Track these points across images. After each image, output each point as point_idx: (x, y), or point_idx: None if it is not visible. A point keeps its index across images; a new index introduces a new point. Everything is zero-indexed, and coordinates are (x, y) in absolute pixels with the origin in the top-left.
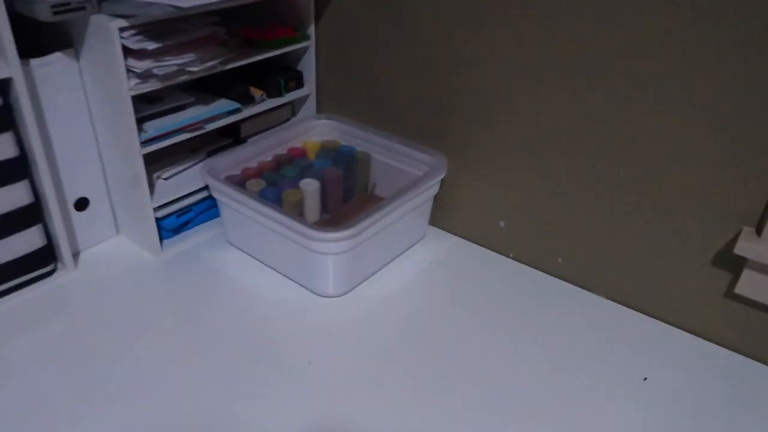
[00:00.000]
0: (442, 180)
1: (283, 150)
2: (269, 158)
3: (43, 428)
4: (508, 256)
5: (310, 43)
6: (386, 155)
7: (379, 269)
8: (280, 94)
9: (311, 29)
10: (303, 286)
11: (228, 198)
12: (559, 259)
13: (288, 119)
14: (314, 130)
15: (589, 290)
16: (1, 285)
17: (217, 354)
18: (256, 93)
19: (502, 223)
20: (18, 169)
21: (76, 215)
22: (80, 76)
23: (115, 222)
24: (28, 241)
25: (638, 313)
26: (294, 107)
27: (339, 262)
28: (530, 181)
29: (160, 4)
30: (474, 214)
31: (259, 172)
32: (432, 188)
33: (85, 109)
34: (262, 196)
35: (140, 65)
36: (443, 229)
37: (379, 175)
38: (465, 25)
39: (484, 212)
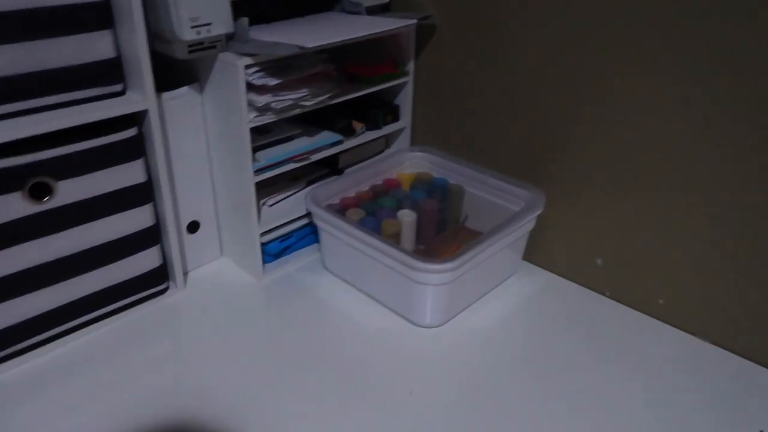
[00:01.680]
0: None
1: (378, 181)
2: (366, 188)
3: None
4: (605, 295)
5: (409, 79)
6: (479, 188)
7: (475, 302)
8: (378, 127)
9: (410, 66)
10: (400, 315)
11: (330, 226)
12: (661, 301)
13: (382, 151)
14: (408, 162)
15: (693, 335)
16: (119, 301)
17: (315, 379)
18: (357, 126)
19: (599, 261)
20: (145, 193)
21: (187, 237)
22: (202, 108)
23: (220, 244)
24: (147, 260)
25: (751, 363)
26: (389, 140)
27: (439, 293)
28: (630, 218)
29: (286, 45)
30: (569, 251)
31: (358, 202)
32: (528, 223)
33: (202, 139)
34: (362, 225)
35: (260, 99)
36: (537, 264)
37: (471, 208)
38: (563, 66)
39: (579, 248)
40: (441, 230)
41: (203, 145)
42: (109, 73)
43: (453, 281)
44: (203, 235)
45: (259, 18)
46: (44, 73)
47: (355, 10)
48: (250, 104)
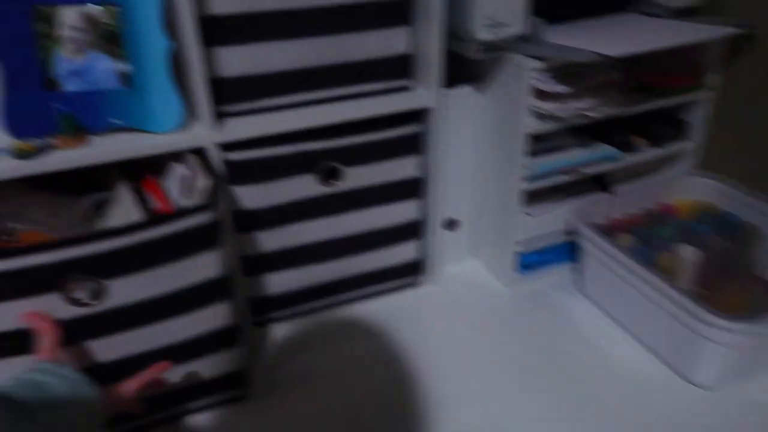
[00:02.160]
0: None
1: (650, 204)
2: (637, 212)
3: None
4: None
5: (709, 94)
6: None
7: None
8: (660, 145)
9: (714, 79)
10: (668, 365)
11: (596, 249)
12: None
13: (659, 170)
14: (691, 189)
15: None
16: (379, 285)
17: (550, 406)
18: (638, 142)
19: None
20: (415, 188)
21: (444, 234)
22: (480, 108)
23: (472, 245)
24: (407, 252)
25: None
26: (670, 160)
27: (728, 353)
28: None
29: (584, 51)
30: None
31: (628, 226)
32: None
33: (477, 139)
34: (630, 255)
35: (545, 106)
36: None
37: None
38: None
39: None
40: (725, 274)
41: (476, 144)
42: (401, 69)
43: (747, 343)
44: (460, 234)
45: (553, 17)
46: (343, 65)
47: (655, 13)
48: (532, 109)
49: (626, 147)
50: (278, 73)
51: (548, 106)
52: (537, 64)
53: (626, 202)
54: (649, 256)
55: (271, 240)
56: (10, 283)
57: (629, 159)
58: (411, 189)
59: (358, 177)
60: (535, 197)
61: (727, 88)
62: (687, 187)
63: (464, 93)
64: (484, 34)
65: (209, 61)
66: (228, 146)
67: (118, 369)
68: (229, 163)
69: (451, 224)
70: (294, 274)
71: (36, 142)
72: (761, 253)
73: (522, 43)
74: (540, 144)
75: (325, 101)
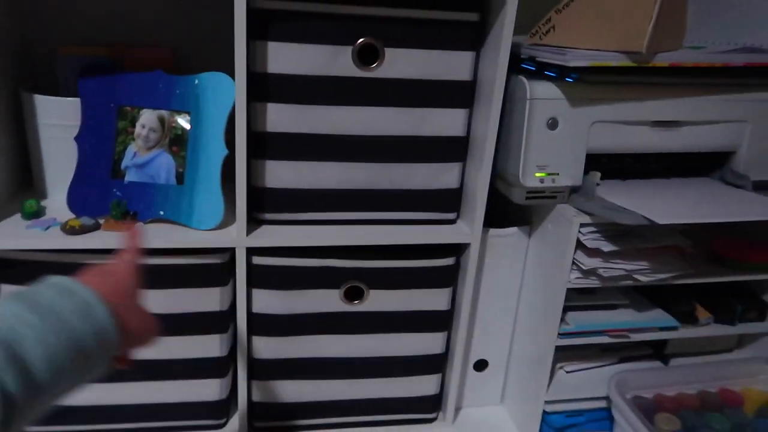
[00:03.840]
0: None
1: (713, 387)
2: (693, 392)
3: None
4: None
5: None
6: None
7: None
8: (731, 323)
9: None
10: None
11: (629, 425)
12: None
13: (730, 350)
14: (762, 377)
15: None
16: (390, 415)
17: None
18: (703, 315)
19: None
20: (443, 320)
21: (471, 374)
22: (526, 251)
23: (502, 391)
24: (426, 385)
25: None
26: (743, 340)
27: None
28: None
29: (633, 214)
30: None
31: (676, 406)
32: None
33: (518, 281)
34: None
35: (588, 262)
36: None
37: None
38: None
39: None
40: None
41: (516, 287)
42: (447, 202)
43: None
44: (488, 376)
45: (619, 172)
46: (391, 192)
47: (737, 183)
48: (576, 264)
49: (688, 318)
50: (323, 191)
51: (592, 263)
52: (584, 218)
53: (683, 378)
54: None
55: (285, 348)
56: None
57: (689, 332)
58: (438, 322)
59: (382, 300)
60: (579, 353)
61: None
62: (759, 375)
63: (509, 234)
64: (531, 182)
65: (256, 172)
66: (256, 250)
67: None
68: (253, 267)
69: (479, 364)
70: (304, 386)
71: (85, 221)
72: None
73: (572, 195)
74: (587, 297)
75: (365, 222)
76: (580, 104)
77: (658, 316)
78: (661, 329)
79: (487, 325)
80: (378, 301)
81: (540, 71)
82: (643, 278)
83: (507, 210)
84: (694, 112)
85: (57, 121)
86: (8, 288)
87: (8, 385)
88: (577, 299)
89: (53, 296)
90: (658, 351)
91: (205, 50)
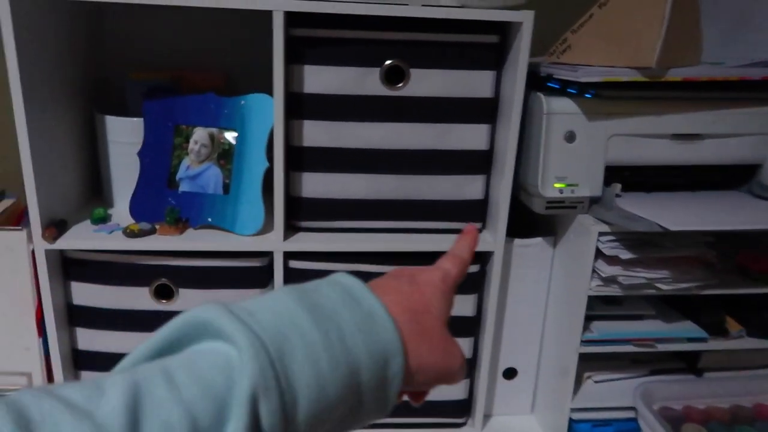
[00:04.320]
0: None
1: (746, 402)
2: (724, 405)
3: None
4: None
5: None
6: None
7: None
8: (764, 336)
9: None
10: None
11: None
12: None
13: (767, 366)
14: None
15: None
16: (420, 417)
17: None
18: (734, 327)
19: None
20: (469, 326)
21: (501, 382)
22: (551, 260)
23: (533, 400)
24: (454, 390)
25: None
26: None
27: None
28: None
29: (646, 221)
30: None
31: (706, 419)
32: None
33: (544, 290)
34: None
35: (607, 270)
36: None
37: None
38: None
39: None
40: None
41: (543, 296)
42: (472, 212)
43: None
44: (519, 385)
45: (642, 185)
46: (418, 202)
47: (764, 195)
48: (596, 272)
49: (717, 330)
50: (353, 201)
51: (611, 271)
52: (603, 227)
53: (714, 391)
54: None
55: None
56: None
57: (719, 344)
58: (465, 327)
59: None
60: (608, 364)
61: None
62: None
63: (533, 243)
64: (550, 192)
65: (293, 183)
66: (293, 254)
67: None
68: (290, 270)
69: (508, 373)
70: None
71: (143, 226)
72: None
73: (593, 205)
74: (614, 307)
75: (394, 231)
76: (596, 118)
77: (686, 327)
78: (690, 340)
79: (515, 334)
80: None
81: (561, 88)
82: (665, 287)
83: (534, 221)
84: (713, 125)
85: (124, 139)
86: (78, 285)
87: (264, 416)
88: (603, 309)
89: (336, 301)
90: (691, 365)
91: (251, 74)
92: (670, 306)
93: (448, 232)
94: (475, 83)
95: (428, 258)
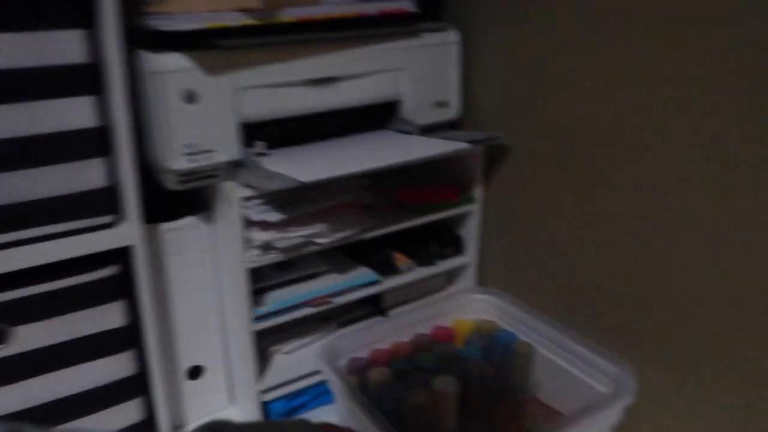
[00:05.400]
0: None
1: (426, 328)
2: (407, 338)
3: None
4: None
5: (476, 207)
6: (554, 350)
7: None
8: (431, 263)
9: (478, 191)
10: None
11: (339, 392)
12: None
13: (443, 288)
14: (470, 306)
15: None
16: None
17: None
18: (402, 262)
19: None
20: (123, 339)
21: (188, 384)
22: (210, 239)
23: (230, 392)
24: (126, 414)
25: None
26: (452, 276)
27: None
28: None
29: (283, 178)
30: None
31: (390, 357)
32: (612, 413)
33: (211, 273)
34: (382, 397)
35: (261, 236)
36: None
37: (542, 373)
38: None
39: None
40: (499, 401)
41: (210, 280)
42: (95, 204)
43: None
44: (209, 382)
45: (292, 139)
46: (19, 206)
47: (406, 130)
48: (249, 241)
49: (388, 269)
50: None
51: (265, 236)
52: (245, 192)
53: (398, 327)
54: (402, 393)
55: None
56: None
57: (392, 281)
58: (117, 341)
59: (35, 336)
60: (296, 330)
61: (491, 200)
62: (468, 305)
63: (183, 225)
64: (180, 164)
65: None
66: None
67: None
68: None
69: (193, 372)
70: None
71: None
72: (537, 373)
73: (235, 169)
74: (286, 273)
75: (4, 246)
76: (216, 72)
77: (360, 273)
78: (364, 286)
79: (190, 328)
80: (30, 338)
81: (169, 42)
82: (324, 240)
83: (190, 200)
84: (347, 65)
85: None
86: None
87: None
88: (277, 276)
89: None
90: (377, 308)
91: None
92: (347, 255)
93: (75, 234)
94: (58, 46)
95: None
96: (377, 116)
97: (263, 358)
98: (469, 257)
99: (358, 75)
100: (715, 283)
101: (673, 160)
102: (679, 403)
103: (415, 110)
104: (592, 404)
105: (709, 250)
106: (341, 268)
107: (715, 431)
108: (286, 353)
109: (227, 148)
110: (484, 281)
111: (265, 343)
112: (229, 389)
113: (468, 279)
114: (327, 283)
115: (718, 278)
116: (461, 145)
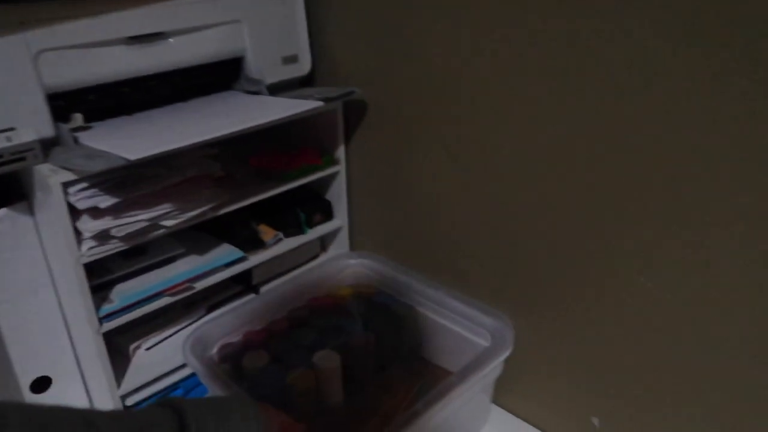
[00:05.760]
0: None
1: (301, 302)
2: (282, 315)
3: None
4: None
5: (340, 168)
6: (434, 310)
7: None
8: (301, 231)
9: (340, 152)
10: None
11: (214, 387)
12: None
13: (317, 256)
14: (346, 272)
15: None
16: None
17: None
18: (268, 235)
19: (596, 421)
20: None
21: (33, 399)
22: (36, 233)
23: (89, 401)
24: None
25: None
26: (325, 243)
27: None
28: (640, 366)
29: (108, 156)
30: (556, 405)
31: (265, 338)
32: (495, 367)
33: (44, 271)
34: (261, 381)
35: (92, 226)
36: (512, 411)
37: (425, 333)
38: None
39: (568, 403)
40: (385, 367)
41: (47, 280)
42: None
43: None
44: (59, 393)
45: (122, 108)
46: None
47: (253, 90)
48: (80, 233)
49: (253, 244)
50: None
51: (98, 225)
52: (67, 176)
53: (272, 304)
54: (282, 375)
55: None
56: None
57: (260, 256)
58: None
59: None
60: (158, 322)
61: (354, 161)
62: (344, 270)
63: (2, 217)
64: None
65: None
66: None
67: None
68: None
69: (38, 386)
70: None
71: None
72: (420, 333)
73: (54, 148)
74: (136, 260)
75: None
76: (9, 31)
77: (222, 252)
78: (228, 265)
79: (28, 337)
80: None
81: None
82: (172, 222)
83: (7, 189)
84: (173, 19)
85: None
86: None
87: None
88: (125, 266)
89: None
90: (246, 285)
91: None
92: (209, 233)
93: None
94: None
95: None
96: (219, 77)
97: (123, 358)
98: (339, 221)
99: (189, 30)
100: (576, 240)
101: (538, 111)
102: (552, 348)
103: (261, 67)
104: (476, 360)
105: (574, 204)
106: (201, 249)
107: (581, 368)
108: (147, 350)
109: (34, 123)
110: (359, 245)
111: (122, 341)
112: (90, 400)
113: (342, 245)
114: (185, 266)
115: (582, 233)
116: (313, 104)
